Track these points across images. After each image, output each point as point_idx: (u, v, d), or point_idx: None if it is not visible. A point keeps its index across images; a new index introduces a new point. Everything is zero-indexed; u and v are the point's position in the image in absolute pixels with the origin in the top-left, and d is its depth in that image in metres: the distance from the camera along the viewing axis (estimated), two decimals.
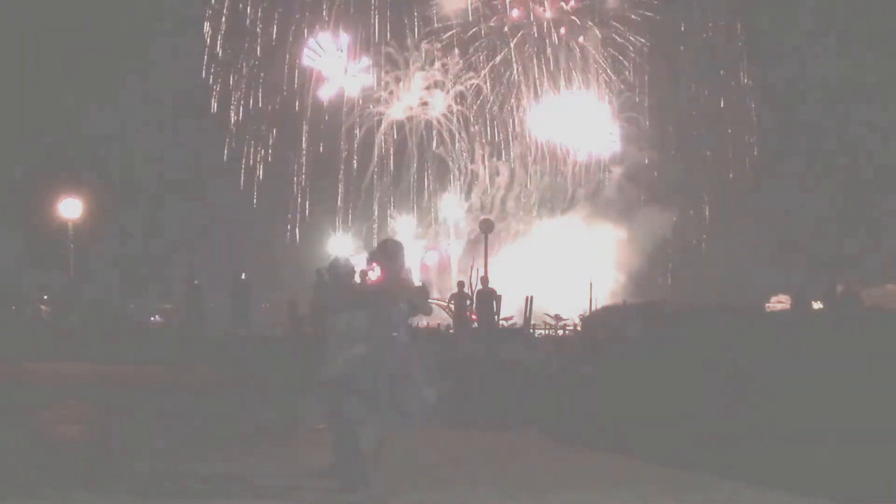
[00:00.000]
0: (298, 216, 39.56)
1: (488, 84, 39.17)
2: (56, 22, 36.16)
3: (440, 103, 39.42)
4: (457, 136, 39.59)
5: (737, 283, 34.79)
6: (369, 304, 7.18)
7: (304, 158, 39.59)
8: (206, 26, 38.61)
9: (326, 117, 39.60)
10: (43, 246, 33.34)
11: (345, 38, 39.58)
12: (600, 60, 39.20)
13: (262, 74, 39.26)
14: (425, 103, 39.52)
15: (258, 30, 38.97)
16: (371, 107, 39.54)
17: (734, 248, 37.73)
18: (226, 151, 39.12)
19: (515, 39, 39.07)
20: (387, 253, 7.32)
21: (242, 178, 39.07)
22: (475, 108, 39.43)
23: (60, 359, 20.39)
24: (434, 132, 39.49)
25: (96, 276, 34.34)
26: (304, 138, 39.45)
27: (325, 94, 39.65)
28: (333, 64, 39.42)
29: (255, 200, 39.36)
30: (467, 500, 7.16)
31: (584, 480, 7.98)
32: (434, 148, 39.76)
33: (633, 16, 38.77)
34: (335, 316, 7.73)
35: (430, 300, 7.90)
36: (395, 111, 39.68)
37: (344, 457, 7.40)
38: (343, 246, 38.83)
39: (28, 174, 35.79)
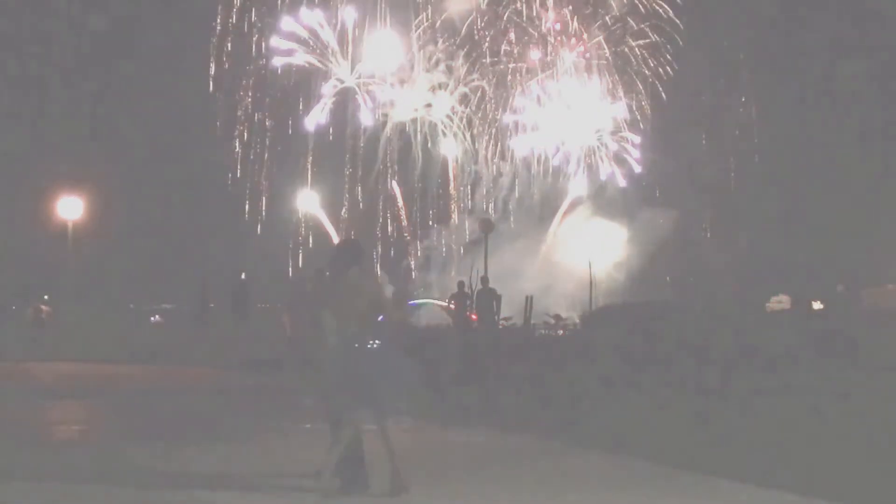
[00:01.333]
0: (301, 246, 39.40)
1: (491, 88, 39.08)
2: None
3: (444, 104, 39.20)
4: (460, 137, 39.45)
5: (737, 283, 34.77)
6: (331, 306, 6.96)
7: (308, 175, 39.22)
8: (212, 47, 38.27)
9: (331, 137, 39.24)
10: (43, 245, 33.35)
11: (350, 12, 37.86)
12: (605, 66, 39.13)
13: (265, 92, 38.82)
14: (429, 105, 39.36)
15: (263, 51, 38.63)
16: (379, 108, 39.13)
17: (734, 248, 37.76)
18: (229, 180, 38.91)
19: (519, 46, 39.02)
20: (348, 254, 7.11)
21: (247, 207, 39.01)
22: (480, 112, 39.32)
23: (61, 359, 20.46)
24: (440, 132, 39.21)
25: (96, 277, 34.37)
26: (308, 160, 39.07)
27: (319, 114, 38.74)
28: (334, 64, 38.85)
29: (258, 228, 39.10)
30: (471, 500, 7.16)
31: (584, 481, 7.98)
32: (437, 149, 39.55)
33: (651, 33, 38.61)
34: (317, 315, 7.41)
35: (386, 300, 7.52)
36: (399, 113, 39.37)
37: (344, 457, 7.39)
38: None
39: (29, 176, 35.85)
